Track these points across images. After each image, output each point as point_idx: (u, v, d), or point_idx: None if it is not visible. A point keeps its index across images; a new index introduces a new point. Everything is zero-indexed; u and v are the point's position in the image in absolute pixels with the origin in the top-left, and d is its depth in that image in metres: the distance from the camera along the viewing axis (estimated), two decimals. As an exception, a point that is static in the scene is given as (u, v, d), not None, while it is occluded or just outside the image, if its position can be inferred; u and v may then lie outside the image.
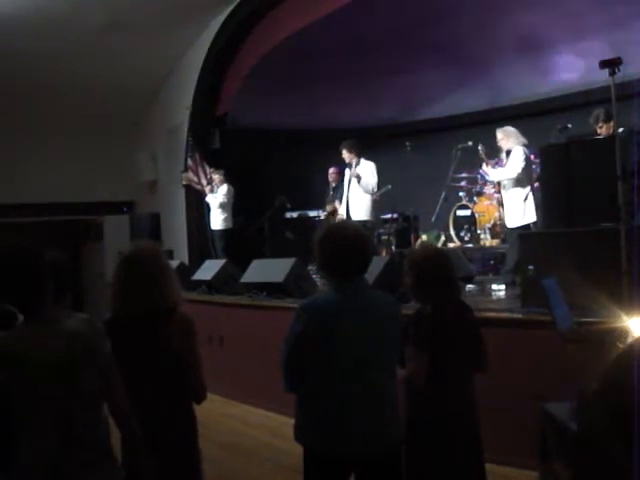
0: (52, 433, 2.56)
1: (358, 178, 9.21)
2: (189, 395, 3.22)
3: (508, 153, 8.00)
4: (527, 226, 7.94)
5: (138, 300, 3.11)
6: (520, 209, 7.81)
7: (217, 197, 11.15)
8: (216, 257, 10.88)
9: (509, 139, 7.95)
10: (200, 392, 3.22)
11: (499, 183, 8.27)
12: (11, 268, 2.66)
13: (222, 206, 11.12)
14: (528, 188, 7.88)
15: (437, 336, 3.48)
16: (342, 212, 9.55)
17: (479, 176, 9.99)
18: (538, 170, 9.00)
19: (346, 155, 9.41)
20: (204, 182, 11.83)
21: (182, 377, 3.14)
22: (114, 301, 3.19)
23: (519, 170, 7.75)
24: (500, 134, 8.07)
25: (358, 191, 9.28)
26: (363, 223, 9.02)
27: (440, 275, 3.58)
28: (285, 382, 3.20)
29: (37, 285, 2.67)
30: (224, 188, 11.16)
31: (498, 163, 8.52)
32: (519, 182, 7.83)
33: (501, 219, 9.23)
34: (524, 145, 7.87)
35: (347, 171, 9.51)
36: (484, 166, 8.22)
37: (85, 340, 2.66)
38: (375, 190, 9.40)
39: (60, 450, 2.56)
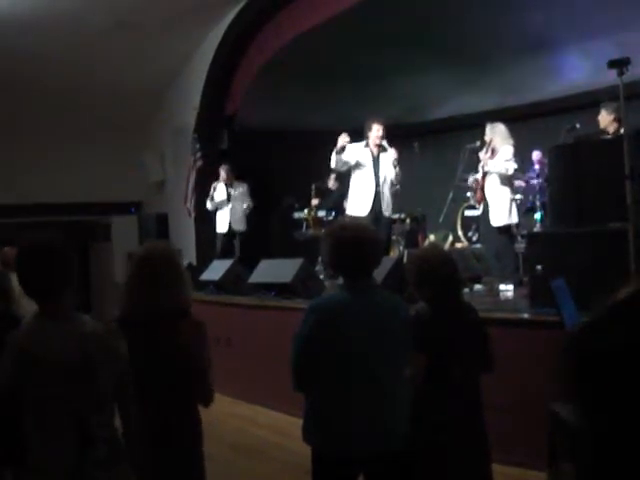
0: (66, 433, 2.57)
1: (395, 165, 8.11)
2: (195, 397, 3.22)
3: (493, 150, 7.95)
4: (509, 226, 7.91)
5: (150, 300, 3.11)
6: (507, 208, 7.78)
7: (241, 195, 10.93)
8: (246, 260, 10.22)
9: (496, 137, 7.91)
10: (208, 396, 3.23)
11: (484, 176, 8.15)
12: (35, 265, 2.68)
13: (243, 205, 10.96)
14: (515, 190, 7.89)
15: (435, 337, 3.48)
16: (368, 206, 8.09)
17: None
18: (546, 171, 9.02)
19: (379, 134, 8.12)
20: (189, 197, 11.88)
21: (190, 379, 3.14)
22: (126, 300, 3.19)
23: (515, 167, 7.75)
24: (489, 129, 8.01)
25: (388, 182, 8.19)
26: (394, 221, 8.84)
27: (438, 276, 3.57)
28: (294, 382, 3.20)
29: (59, 283, 2.68)
30: (245, 186, 11.02)
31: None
32: (507, 181, 7.82)
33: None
34: (512, 146, 7.85)
35: (367, 152, 8.16)
36: (482, 155, 8.13)
37: (101, 341, 2.68)
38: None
39: (74, 450, 2.57)
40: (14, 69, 11.18)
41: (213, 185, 10.98)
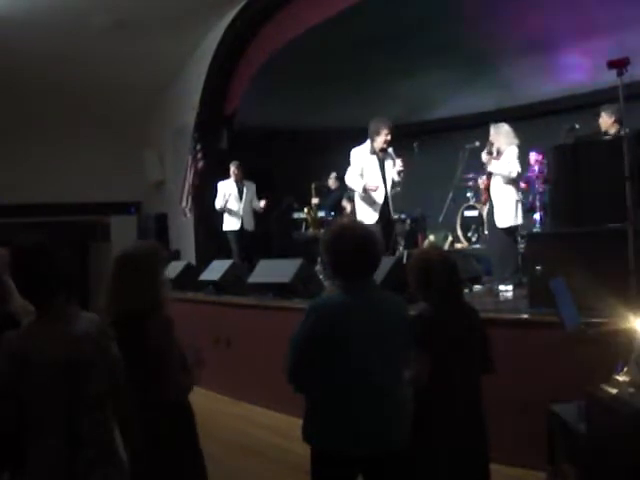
0: (60, 433, 2.57)
1: (400, 172, 7.92)
2: (178, 394, 3.23)
3: (498, 152, 7.93)
4: (515, 228, 7.89)
5: (115, 302, 3.14)
6: (512, 209, 7.76)
7: (252, 194, 10.62)
8: (250, 260, 10.03)
9: (500, 138, 7.90)
10: (176, 391, 3.24)
11: (489, 177, 8.10)
12: (30, 266, 2.68)
13: (260, 204, 10.60)
14: (520, 191, 7.88)
15: (438, 337, 3.49)
16: (378, 212, 7.89)
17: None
18: (545, 171, 9.02)
19: (387, 139, 7.88)
20: (184, 196, 11.80)
21: (159, 376, 3.15)
22: (104, 300, 3.21)
23: (518, 170, 7.72)
24: (493, 131, 8.01)
25: (390, 185, 8.01)
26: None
27: (439, 277, 3.58)
28: (291, 380, 3.19)
29: (54, 284, 2.68)
30: (254, 186, 10.71)
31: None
32: (512, 182, 7.80)
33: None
34: (517, 146, 7.83)
35: (373, 158, 7.91)
36: (484, 156, 8.07)
37: (95, 341, 2.67)
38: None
39: (67, 450, 2.57)
40: (14, 69, 11.19)
41: (220, 187, 10.60)
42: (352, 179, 7.97)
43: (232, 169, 10.61)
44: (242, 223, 10.55)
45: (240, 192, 10.57)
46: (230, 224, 10.61)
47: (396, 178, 8.00)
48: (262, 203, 10.55)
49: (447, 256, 3.89)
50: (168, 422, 3.18)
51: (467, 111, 12.66)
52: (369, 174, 7.91)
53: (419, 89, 12.21)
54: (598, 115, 7.53)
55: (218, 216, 10.73)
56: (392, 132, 7.92)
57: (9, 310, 3.87)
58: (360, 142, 8.12)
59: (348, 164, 8.12)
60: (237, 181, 10.59)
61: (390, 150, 8.03)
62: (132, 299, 3.16)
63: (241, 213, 10.53)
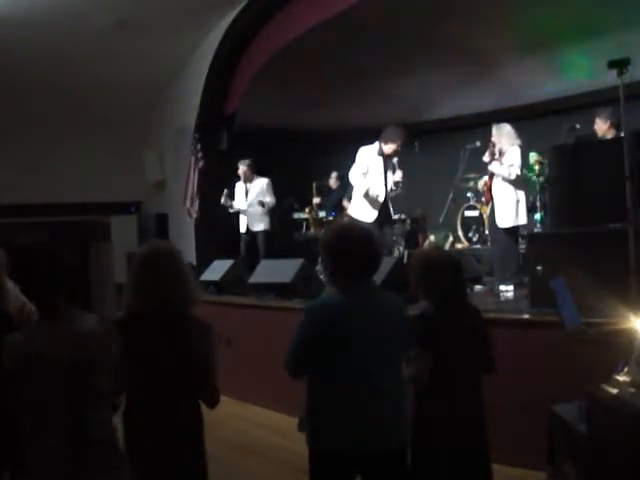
0: (63, 433, 2.58)
1: (397, 183, 8.14)
2: (198, 397, 3.22)
3: (500, 152, 7.94)
4: (516, 228, 7.90)
5: (155, 298, 3.11)
6: (513, 210, 7.76)
7: (260, 193, 10.35)
8: (255, 260, 9.75)
9: (502, 138, 7.91)
10: (214, 396, 3.23)
11: (491, 177, 8.10)
12: (31, 266, 2.69)
13: (265, 204, 10.34)
14: (522, 191, 7.86)
15: (441, 336, 3.48)
16: (376, 212, 8.07)
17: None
18: (546, 171, 9.01)
19: (398, 149, 8.12)
20: (188, 197, 11.74)
21: (193, 378, 3.14)
22: (131, 298, 3.18)
23: (518, 172, 7.73)
24: (495, 131, 8.02)
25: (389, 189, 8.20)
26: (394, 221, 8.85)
27: (443, 276, 3.58)
28: (292, 376, 3.20)
29: (55, 284, 2.68)
30: (264, 182, 10.42)
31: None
32: (513, 182, 7.79)
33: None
34: (519, 147, 7.84)
35: (379, 160, 8.07)
36: (486, 157, 8.07)
37: (99, 341, 2.68)
38: None
39: (70, 449, 2.57)
40: (14, 69, 11.19)
41: (236, 186, 10.54)
42: (356, 177, 8.13)
43: (240, 168, 10.51)
44: (247, 224, 10.49)
45: (246, 193, 10.50)
46: (241, 225, 10.60)
47: (393, 187, 8.16)
48: (263, 204, 10.49)
49: (451, 254, 3.91)
50: (186, 423, 3.18)
51: (467, 111, 12.64)
52: (373, 174, 8.07)
53: (419, 89, 12.19)
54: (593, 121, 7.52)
55: (220, 217, 10.77)
56: (402, 146, 8.13)
57: (6, 311, 3.87)
58: (360, 142, 8.25)
59: (349, 164, 8.25)
60: (244, 181, 10.51)
61: (395, 160, 8.18)
62: (174, 298, 3.15)
63: (246, 214, 10.47)
